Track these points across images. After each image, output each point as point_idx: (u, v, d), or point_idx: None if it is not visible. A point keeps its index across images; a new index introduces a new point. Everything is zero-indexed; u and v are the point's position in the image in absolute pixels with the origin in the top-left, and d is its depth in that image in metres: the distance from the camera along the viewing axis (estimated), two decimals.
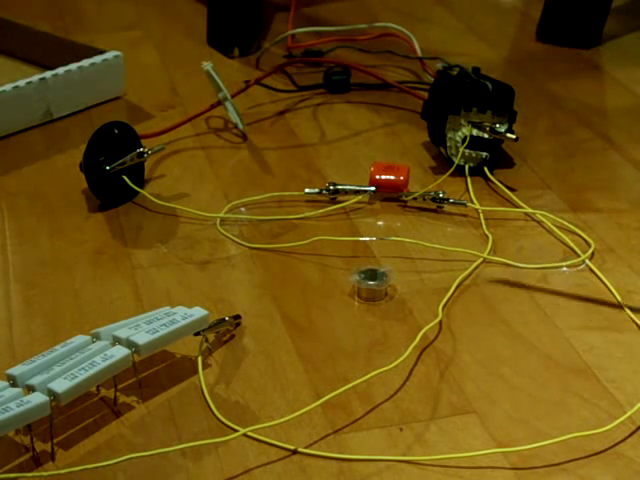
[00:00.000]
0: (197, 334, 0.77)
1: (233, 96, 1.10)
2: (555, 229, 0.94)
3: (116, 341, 0.73)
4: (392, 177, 0.98)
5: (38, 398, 0.67)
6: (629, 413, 0.72)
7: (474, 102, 1.01)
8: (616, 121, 1.16)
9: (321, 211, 0.96)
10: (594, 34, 1.35)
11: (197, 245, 0.92)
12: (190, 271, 0.89)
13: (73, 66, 1.14)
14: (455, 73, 1.08)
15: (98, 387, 0.74)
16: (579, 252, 0.91)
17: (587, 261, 0.90)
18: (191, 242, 0.93)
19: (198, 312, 0.77)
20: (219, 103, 1.10)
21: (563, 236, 0.93)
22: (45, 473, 0.67)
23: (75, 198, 0.99)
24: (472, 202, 0.97)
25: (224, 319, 0.80)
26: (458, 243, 0.92)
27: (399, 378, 0.76)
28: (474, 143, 1.02)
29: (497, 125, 1.01)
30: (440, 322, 0.82)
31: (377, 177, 0.98)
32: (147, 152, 0.98)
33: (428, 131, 1.06)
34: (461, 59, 1.17)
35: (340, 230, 0.94)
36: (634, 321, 0.82)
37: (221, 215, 0.96)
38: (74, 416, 0.72)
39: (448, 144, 1.03)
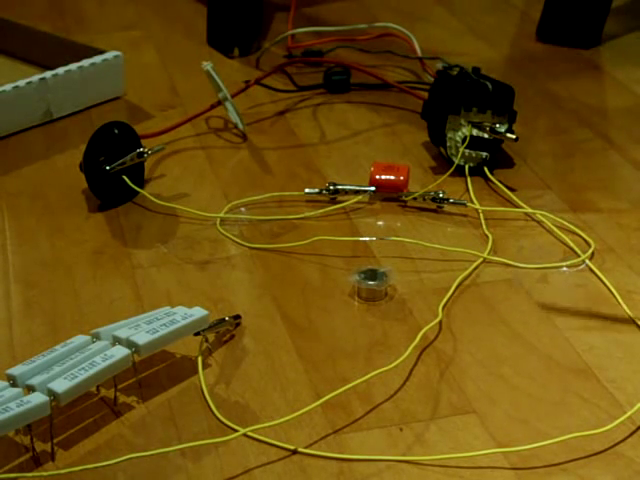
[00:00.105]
0: (197, 334, 0.77)
1: (233, 96, 1.10)
2: (555, 229, 0.94)
3: (116, 341, 0.73)
4: (392, 177, 0.98)
5: (38, 398, 0.67)
6: (629, 413, 0.72)
7: (474, 102, 1.01)
8: (616, 121, 1.16)
9: (321, 211, 0.96)
10: (594, 34, 1.35)
11: (197, 245, 0.92)
12: (190, 271, 0.89)
13: (73, 66, 1.14)
14: (455, 73, 1.08)
15: (98, 387, 0.74)
16: (579, 252, 0.91)
17: (587, 261, 0.90)
18: (191, 242, 0.93)
19: (198, 312, 0.77)
20: (219, 103, 1.10)
21: (563, 236, 0.93)
22: (45, 473, 0.67)
23: (75, 198, 0.99)
24: (472, 202, 0.97)
25: (224, 319, 0.80)
26: (458, 243, 0.92)
27: (399, 378, 0.76)
28: (474, 143, 1.02)
29: (497, 125, 1.01)
30: (440, 322, 0.82)
31: (377, 177, 0.98)
32: (147, 152, 0.98)
33: (428, 131, 1.06)
34: (461, 59, 1.17)
35: (340, 230, 0.94)
36: (634, 321, 0.82)
37: (221, 215, 0.96)
38: (74, 416, 0.72)
39: (448, 144, 1.03)
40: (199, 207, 0.97)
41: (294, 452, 0.69)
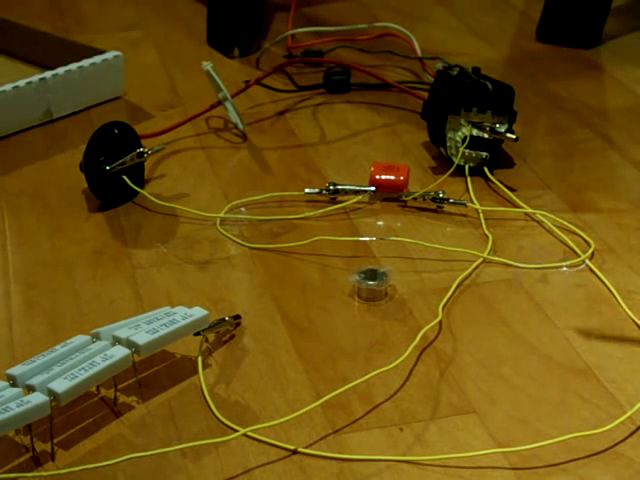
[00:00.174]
0: (197, 334, 0.77)
1: (233, 96, 1.10)
2: (555, 229, 0.94)
3: (116, 341, 0.73)
4: (392, 177, 0.98)
5: (38, 398, 0.67)
6: (629, 413, 0.72)
7: (474, 102, 1.01)
8: (616, 121, 1.16)
9: (321, 211, 0.96)
10: (594, 34, 1.35)
11: (197, 245, 0.92)
12: (190, 271, 0.89)
13: (73, 66, 1.14)
14: (455, 73, 1.08)
15: (98, 387, 0.74)
16: (579, 252, 0.91)
17: (587, 261, 0.90)
18: (191, 242, 0.93)
19: (198, 312, 0.77)
20: (219, 103, 1.10)
21: (563, 236, 0.93)
22: (45, 473, 0.67)
23: (75, 198, 0.99)
24: (472, 202, 0.97)
25: (224, 319, 0.80)
26: (458, 243, 0.92)
27: (399, 378, 0.76)
28: (474, 143, 1.02)
29: (497, 125, 1.01)
30: (440, 322, 0.82)
31: (377, 177, 0.98)
32: (147, 152, 0.98)
33: (428, 131, 1.06)
34: (461, 59, 1.17)
35: (340, 230, 0.94)
36: (634, 321, 0.82)
37: (221, 215, 0.96)
38: (74, 416, 0.72)
39: (448, 144, 1.03)
40: (199, 207, 0.97)
41: (294, 452, 0.69)
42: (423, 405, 0.74)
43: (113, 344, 0.73)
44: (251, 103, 1.18)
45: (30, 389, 0.69)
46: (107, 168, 0.95)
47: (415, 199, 0.97)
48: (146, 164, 1.01)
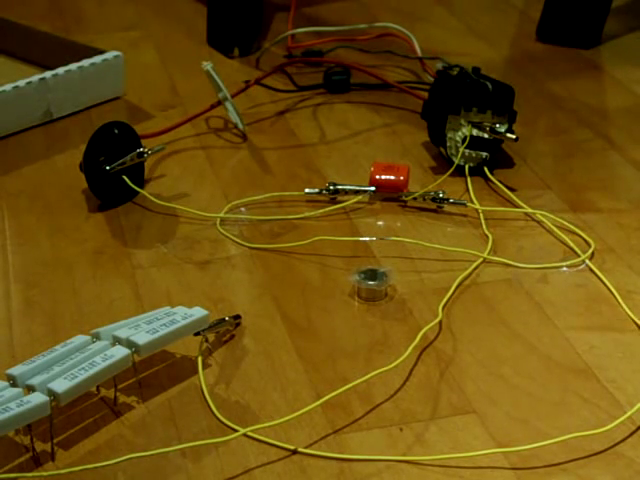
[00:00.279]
0: (197, 334, 0.77)
1: (233, 96, 1.10)
2: (555, 229, 0.94)
3: (116, 341, 0.73)
4: (392, 177, 0.98)
5: (38, 398, 0.67)
6: (629, 413, 0.72)
7: (474, 102, 1.01)
8: (616, 121, 1.16)
9: (321, 211, 0.96)
10: (594, 34, 1.35)
11: (197, 245, 0.92)
12: (190, 271, 0.89)
13: (73, 66, 1.14)
14: (455, 73, 1.08)
15: (98, 387, 0.74)
16: (579, 252, 0.91)
17: (587, 261, 0.90)
18: (191, 242, 0.93)
19: (198, 312, 0.77)
20: (219, 103, 1.10)
21: (563, 236, 0.93)
22: (45, 473, 0.67)
23: (75, 198, 0.99)
24: (472, 202, 0.97)
25: (224, 319, 0.80)
26: (458, 243, 0.92)
27: (399, 378, 0.76)
28: (474, 143, 1.02)
29: (497, 125, 1.01)
30: (440, 322, 0.82)
31: (377, 177, 0.98)
32: (147, 152, 0.98)
33: (428, 131, 1.06)
34: (461, 59, 1.17)
35: (340, 230, 0.94)
36: (634, 321, 0.82)
37: (221, 215, 0.96)
38: (74, 416, 0.72)
39: (448, 144, 1.03)
40: (199, 207, 0.97)
41: (294, 452, 0.69)
42: (423, 405, 0.74)
43: (113, 344, 0.73)
44: (251, 103, 1.18)
45: (30, 389, 0.69)
46: (107, 168, 0.95)
47: (415, 199, 0.97)
48: (146, 164, 1.01)
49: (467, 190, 1.00)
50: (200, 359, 0.77)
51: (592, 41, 1.34)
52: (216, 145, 1.10)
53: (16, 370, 0.70)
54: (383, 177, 0.98)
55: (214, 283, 0.87)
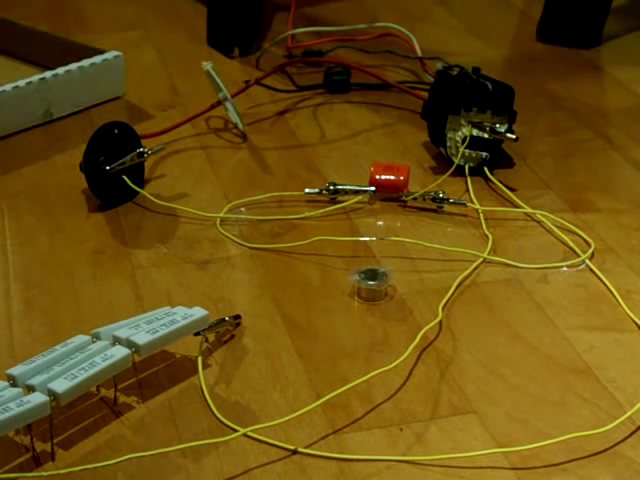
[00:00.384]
0: (197, 334, 0.77)
1: (233, 96, 1.10)
2: (555, 229, 0.94)
3: (116, 341, 0.73)
4: (392, 177, 0.98)
5: (38, 398, 0.67)
6: (629, 413, 0.72)
7: (474, 102, 1.01)
8: (616, 121, 1.16)
9: (321, 211, 0.96)
10: (594, 34, 1.35)
11: (197, 245, 0.92)
12: (190, 271, 0.89)
13: (73, 66, 1.14)
14: (455, 73, 1.08)
15: (98, 387, 0.74)
16: (579, 252, 0.91)
17: (587, 261, 0.90)
18: (191, 242, 0.93)
19: (198, 312, 0.77)
20: (219, 103, 1.10)
21: (563, 236, 0.93)
22: (45, 473, 0.67)
23: (75, 198, 0.99)
24: (472, 202, 0.97)
25: (224, 319, 0.80)
26: (458, 243, 0.92)
27: (399, 378, 0.76)
28: (474, 143, 1.02)
29: (497, 125, 1.01)
30: (440, 322, 0.82)
31: (377, 177, 0.98)
32: (147, 152, 0.98)
33: (428, 131, 1.06)
34: (461, 59, 1.17)
35: (340, 230, 0.94)
36: (634, 321, 0.82)
37: (221, 215, 0.96)
38: (74, 416, 0.72)
39: (448, 144, 1.03)
40: (199, 207, 0.97)
41: (294, 452, 0.69)
42: (423, 405, 0.74)
43: (113, 344, 0.73)
44: (251, 103, 1.18)
45: (30, 389, 0.69)
46: (107, 168, 0.95)
47: (415, 199, 0.97)
48: (146, 164, 1.01)
49: (467, 190, 1.00)
50: (200, 359, 0.77)
51: (592, 41, 1.34)
52: (216, 145, 1.10)
53: (16, 370, 0.70)
54: (383, 177, 0.98)
55: (214, 283, 0.87)
